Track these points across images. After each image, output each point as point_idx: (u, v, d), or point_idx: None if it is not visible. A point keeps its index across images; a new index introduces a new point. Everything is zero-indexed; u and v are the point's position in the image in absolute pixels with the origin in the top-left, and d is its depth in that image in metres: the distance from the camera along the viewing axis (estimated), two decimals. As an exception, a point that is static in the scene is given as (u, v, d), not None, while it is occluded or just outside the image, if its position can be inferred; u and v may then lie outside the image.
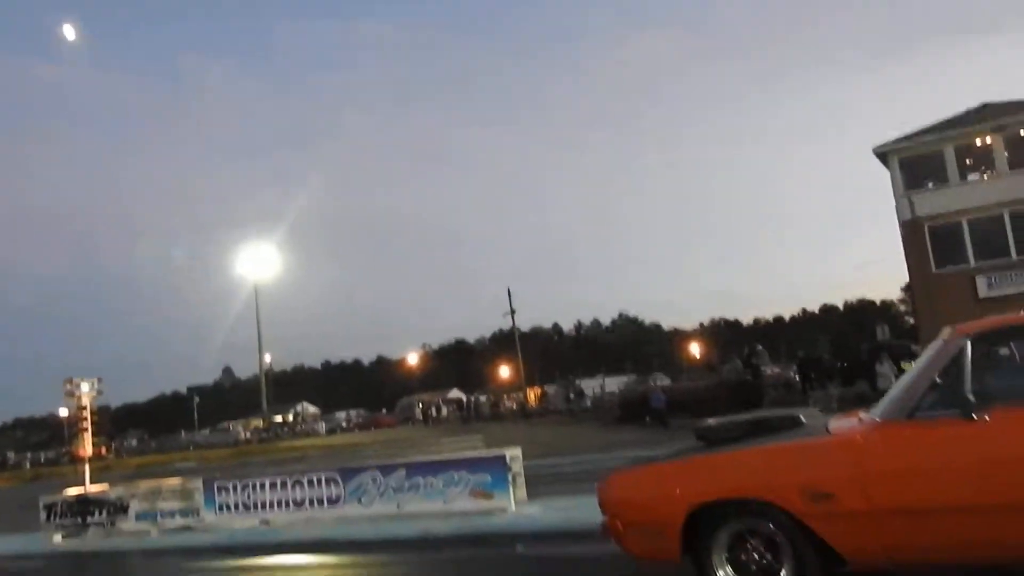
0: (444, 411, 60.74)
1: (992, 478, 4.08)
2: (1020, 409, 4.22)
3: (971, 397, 4.15)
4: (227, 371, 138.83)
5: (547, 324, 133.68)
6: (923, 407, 4.35)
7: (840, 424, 4.98)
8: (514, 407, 52.83)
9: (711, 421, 5.69)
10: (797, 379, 34.61)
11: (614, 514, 5.15)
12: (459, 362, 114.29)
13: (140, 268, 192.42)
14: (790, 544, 4.49)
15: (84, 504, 13.83)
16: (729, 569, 4.69)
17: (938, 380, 4.37)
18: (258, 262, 60.47)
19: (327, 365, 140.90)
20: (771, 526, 4.54)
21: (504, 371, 76.43)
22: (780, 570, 4.54)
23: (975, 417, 4.13)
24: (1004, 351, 4.86)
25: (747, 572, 4.64)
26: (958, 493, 4.14)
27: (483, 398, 59.70)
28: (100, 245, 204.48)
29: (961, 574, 4.75)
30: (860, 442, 4.47)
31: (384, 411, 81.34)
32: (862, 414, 4.88)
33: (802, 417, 5.23)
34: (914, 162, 28.47)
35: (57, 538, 13.74)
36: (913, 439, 4.32)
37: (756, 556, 4.62)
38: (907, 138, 28.57)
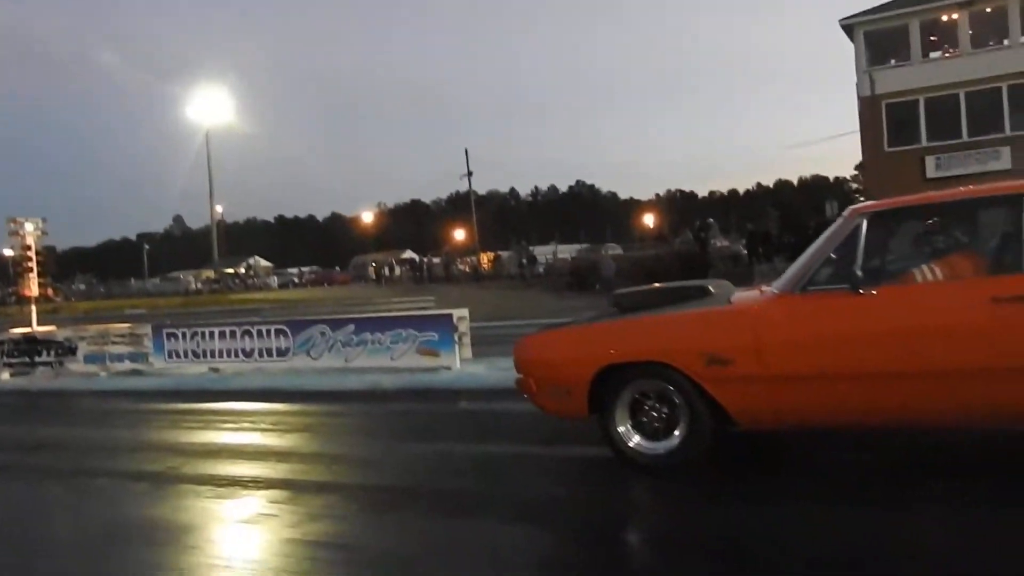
0: (397, 271, 60.93)
1: (873, 349, 4.39)
2: (904, 286, 4.54)
3: (860, 273, 4.39)
4: (178, 220, 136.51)
5: (504, 188, 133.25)
6: (818, 281, 4.60)
7: (741, 295, 5.29)
8: (467, 270, 53.25)
9: (627, 289, 6.00)
10: (745, 252, 35.25)
11: (528, 373, 5.46)
12: (414, 223, 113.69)
13: (92, 105, 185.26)
14: (687, 405, 4.82)
15: (32, 343, 13.84)
16: (630, 426, 5.05)
17: (833, 256, 4.63)
18: (211, 107, 58.57)
19: (281, 219, 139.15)
20: (670, 388, 4.87)
21: (459, 234, 76.44)
22: (675, 429, 4.90)
23: (862, 292, 4.38)
24: (902, 230, 5.09)
25: (646, 430, 5.01)
26: (843, 362, 4.45)
27: (436, 260, 59.88)
28: (52, 76, 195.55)
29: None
30: (756, 312, 4.80)
31: (337, 269, 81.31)
32: (764, 287, 5.17)
33: (711, 288, 5.50)
34: (879, 36, 28.19)
35: (4, 375, 13.82)
36: (804, 310, 4.62)
37: (655, 415, 4.97)
38: (874, 10, 28.14)
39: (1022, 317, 4.08)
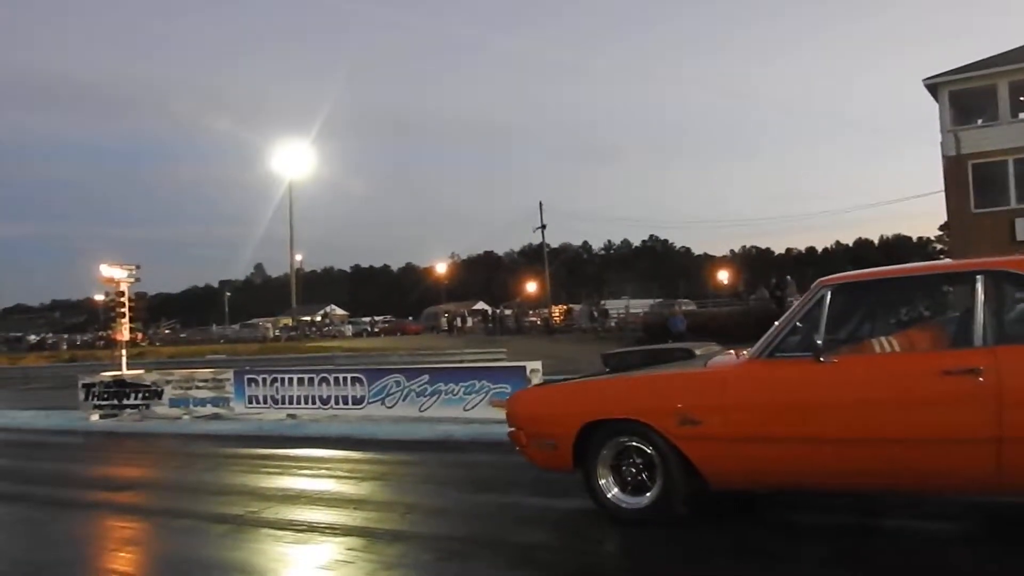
0: (469, 322, 61.45)
1: (830, 415, 4.56)
2: (862, 356, 4.73)
3: (821, 341, 4.58)
4: (259, 268, 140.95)
5: (577, 241, 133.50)
6: (784, 348, 4.82)
7: (718, 359, 5.53)
8: (538, 322, 53.31)
9: (617, 350, 6.41)
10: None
11: (519, 426, 5.75)
12: (486, 273, 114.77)
13: (178, 155, 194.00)
14: (663, 463, 5.02)
15: (121, 386, 14.42)
16: (611, 480, 5.27)
17: (799, 324, 4.85)
18: (293, 159, 60.59)
19: (356, 268, 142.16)
20: (647, 445, 5.09)
21: (531, 286, 76.75)
22: (654, 484, 5.10)
23: (823, 360, 4.55)
24: (865, 302, 5.18)
25: (625, 485, 5.22)
26: (801, 426, 4.60)
27: (508, 311, 60.18)
28: (141, 126, 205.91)
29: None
30: (725, 375, 5.05)
31: (410, 318, 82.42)
32: (743, 351, 5.31)
33: (696, 351, 5.85)
34: (964, 96, 27.50)
35: (95, 417, 14.39)
36: (769, 375, 4.82)
37: (634, 471, 5.19)
38: (959, 70, 27.52)
39: (970, 390, 4.16)
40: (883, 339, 4.78)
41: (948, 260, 5.37)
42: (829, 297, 4.75)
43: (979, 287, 4.39)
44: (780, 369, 4.78)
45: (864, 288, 5.13)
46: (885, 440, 4.38)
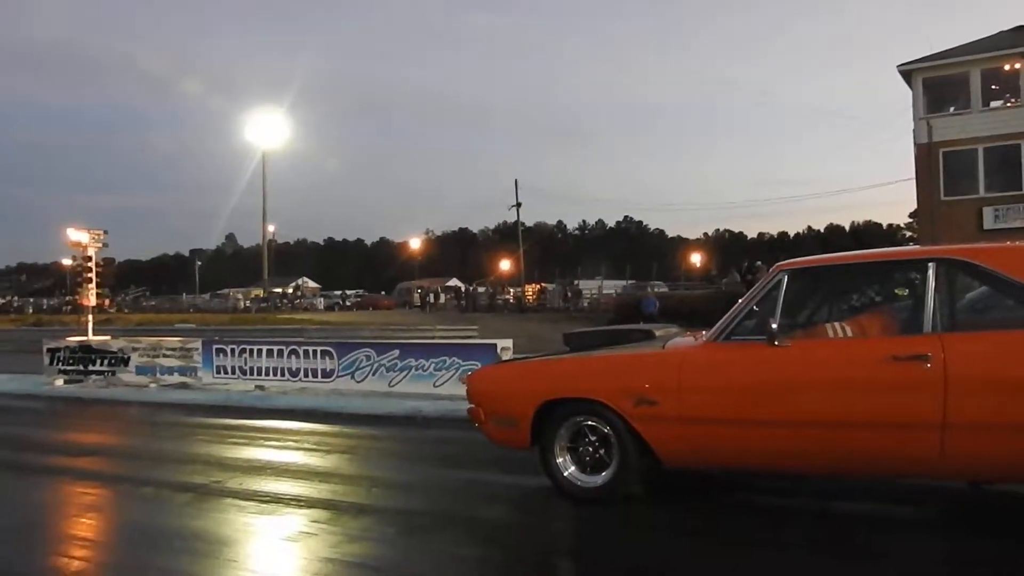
0: (442, 299, 61.25)
1: (783, 398, 4.65)
2: (815, 340, 4.78)
3: (775, 325, 4.62)
4: (230, 238, 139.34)
5: (552, 220, 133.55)
6: (740, 331, 4.88)
7: (676, 341, 5.63)
8: (511, 301, 53.32)
9: (578, 330, 6.46)
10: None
11: (478, 404, 5.80)
12: (461, 251, 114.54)
13: (150, 121, 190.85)
14: (618, 441, 5.10)
15: (87, 352, 14.26)
16: (568, 459, 5.35)
17: (756, 308, 4.90)
18: (267, 129, 60.02)
19: (330, 242, 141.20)
20: (604, 425, 5.16)
21: (505, 264, 76.70)
22: (609, 463, 5.17)
23: (777, 344, 4.60)
24: (820, 287, 5.29)
25: (582, 463, 5.30)
26: (755, 409, 4.70)
27: (481, 289, 60.09)
28: (114, 91, 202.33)
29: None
30: (681, 357, 5.10)
31: (383, 293, 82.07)
32: (701, 334, 5.42)
33: (656, 333, 5.94)
34: (938, 84, 27.73)
35: (59, 382, 14.23)
36: (723, 358, 4.91)
37: (590, 450, 5.26)
38: (933, 57, 27.71)
39: (917, 376, 4.24)
40: (836, 324, 4.88)
41: (901, 248, 5.39)
42: (786, 281, 4.81)
43: (930, 274, 4.46)
44: (735, 352, 4.86)
45: (820, 273, 5.21)
46: (835, 423, 4.45)
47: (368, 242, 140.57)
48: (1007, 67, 26.86)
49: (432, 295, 60.89)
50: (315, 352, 12.08)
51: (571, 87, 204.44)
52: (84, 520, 5.63)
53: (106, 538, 5.32)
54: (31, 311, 61.25)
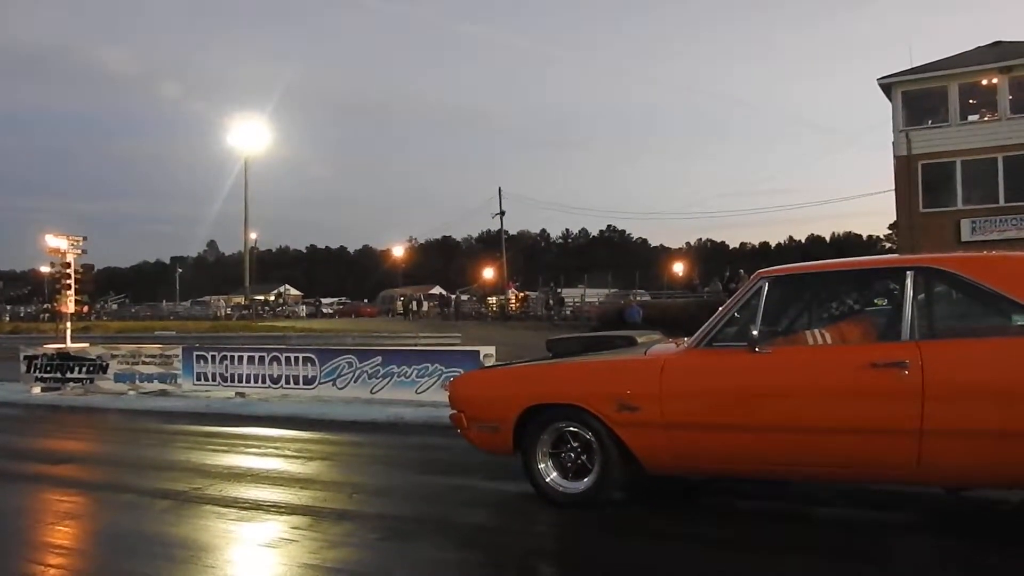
0: (425, 306, 61.06)
1: (764, 404, 4.68)
2: (795, 347, 4.80)
3: (756, 332, 4.69)
4: (212, 245, 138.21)
5: (535, 229, 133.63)
6: (721, 338, 4.92)
7: (658, 347, 5.64)
8: (495, 309, 53.25)
9: (560, 336, 6.49)
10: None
11: (460, 409, 5.81)
12: (444, 258, 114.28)
13: (130, 125, 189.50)
14: (600, 447, 5.12)
15: (64, 359, 14.13)
16: (550, 464, 5.37)
17: (737, 315, 4.94)
18: (250, 136, 59.68)
19: (312, 249, 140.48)
20: (586, 431, 5.18)
21: (488, 272, 76.65)
22: (591, 469, 5.19)
23: (758, 350, 4.66)
24: (801, 295, 5.32)
25: (564, 468, 5.32)
26: (736, 415, 4.73)
27: (465, 297, 59.98)
28: (96, 95, 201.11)
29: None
30: (662, 363, 5.07)
31: (366, 301, 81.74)
32: (683, 340, 5.46)
33: (639, 339, 5.95)
34: (917, 97, 28.09)
35: (36, 390, 14.08)
36: (704, 364, 4.94)
37: (572, 455, 5.28)
38: (913, 71, 28.08)
39: (895, 383, 4.28)
40: (816, 331, 4.92)
41: (880, 256, 5.45)
42: (767, 289, 4.84)
43: (908, 283, 4.51)
44: (716, 358, 4.88)
45: (801, 281, 5.23)
46: (814, 430, 4.49)
47: (351, 249, 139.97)
48: (985, 82, 27.26)
49: (415, 303, 60.65)
50: (297, 359, 12.04)
51: (555, 96, 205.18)
52: (61, 527, 5.56)
53: (84, 545, 5.26)
54: (8, 319, 60.47)
